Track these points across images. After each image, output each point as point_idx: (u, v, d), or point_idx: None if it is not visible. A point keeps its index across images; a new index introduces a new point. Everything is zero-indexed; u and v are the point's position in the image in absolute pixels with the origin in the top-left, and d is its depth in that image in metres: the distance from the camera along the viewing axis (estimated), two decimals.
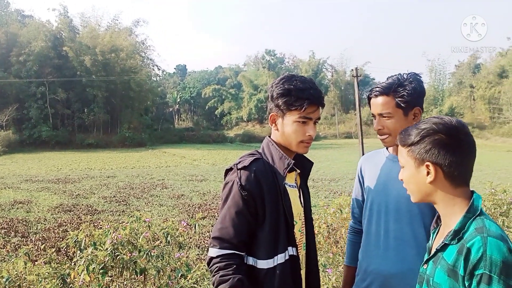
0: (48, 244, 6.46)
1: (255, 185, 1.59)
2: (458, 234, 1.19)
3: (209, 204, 10.47)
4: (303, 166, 1.80)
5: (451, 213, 1.25)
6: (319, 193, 12.07)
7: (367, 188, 1.98)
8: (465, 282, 1.12)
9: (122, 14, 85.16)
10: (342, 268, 3.90)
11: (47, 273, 3.09)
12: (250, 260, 1.61)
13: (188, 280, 3.34)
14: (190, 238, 6.92)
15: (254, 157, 1.66)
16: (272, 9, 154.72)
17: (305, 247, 1.76)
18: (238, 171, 1.61)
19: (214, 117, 58.41)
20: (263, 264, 1.59)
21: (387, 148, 1.98)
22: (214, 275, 1.53)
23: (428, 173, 1.24)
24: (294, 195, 1.71)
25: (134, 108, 41.81)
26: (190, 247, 6.63)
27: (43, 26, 39.54)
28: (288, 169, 1.66)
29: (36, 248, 6.04)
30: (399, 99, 1.79)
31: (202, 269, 3.41)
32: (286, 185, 1.67)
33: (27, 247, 3.55)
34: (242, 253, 1.58)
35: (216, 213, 9.20)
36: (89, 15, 43.49)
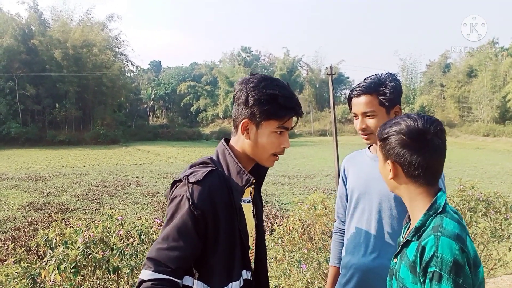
0: (18, 244, 6.30)
1: (208, 203, 1.37)
2: (418, 231, 1.24)
3: None
4: (258, 173, 1.63)
5: (414, 210, 1.30)
6: (294, 190, 12.16)
7: (350, 188, 2.01)
8: (420, 278, 1.18)
9: (95, 8, 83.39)
10: (317, 264, 3.96)
11: (16, 273, 3.01)
12: (197, 285, 1.42)
13: None
14: None
15: (209, 169, 1.42)
16: (246, 6, 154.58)
17: (253, 262, 1.62)
18: (190, 184, 1.38)
19: (190, 114, 57.96)
20: None
21: (368, 148, 2.02)
22: None
23: (390, 170, 1.31)
24: (248, 210, 1.55)
25: (107, 104, 41.08)
26: None
27: (12, 19, 38.31)
28: (247, 186, 1.48)
29: (5, 247, 5.89)
30: (382, 97, 1.84)
31: None
32: (241, 202, 1.49)
33: None
34: (179, 281, 1.37)
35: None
36: (60, 8, 42.61)
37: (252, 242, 1.59)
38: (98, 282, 3.41)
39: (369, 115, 1.86)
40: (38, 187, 13.05)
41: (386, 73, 1.91)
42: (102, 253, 3.12)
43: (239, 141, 1.52)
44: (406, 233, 1.37)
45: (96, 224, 3.36)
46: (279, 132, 1.48)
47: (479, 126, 38.89)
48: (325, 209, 4.59)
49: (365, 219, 1.91)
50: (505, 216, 4.77)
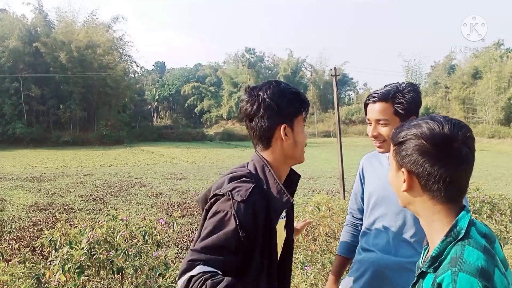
0: (22, 244, 6.33)
1: (252, 224, 1.39)
2: (435, 261, 1.04)
3: (188, 203, 10.42)
4: (291, 182, 1.67)
5: (432, 232, 1.09)
6: (298, 191, 12.14)
7: (368, 189, 2.01)
8: None
9: (100, 9, 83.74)
10: (321, 265, 3.95)
11: (21, 273, 3.03)
12: None
13: (166, 279, 3.32)
14: (169, 236, 6.89)
15: (251, 186, 1.42)
16: (250, 7, 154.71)
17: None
18: (235, 202, 1.38)
19: (194, 115, 58.05)
20: None
21: None
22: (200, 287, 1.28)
23: (404, 181, 1.10)
24: (281, 225, 1.58)
25: (111, 105, 41.18)
26: (168, 245, 6.60)
27: (18, 20, 38.52)
28: (285, 207, 1.50)
29: (10, 247, 5.91)
30: (398, 105, 1.82)
31: None
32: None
33: (1, 246, 3.48)
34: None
35: (195, 212, 9.16)
36: (65, 9, 42.70)
37: (279, 252, 1.61)
38: (102, 282, 3.42)
39: (382, 123, 1.84)
40: (42, 188, 13.11)
41: (407, 83, 1.89)
42: (106, 253, 3.13)
43: (275, 151, 1.55)
44: (424, 258, 1.16)
45: (101, 224, 3.37)
46: (303, 126, 1.59)
47: (484, 128, 38.73)
48: (329, 210, 4.58)
49: (385, 223, 1.90)
50: (510, 218, 4.75)
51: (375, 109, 1.85)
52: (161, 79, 62.84)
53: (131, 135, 40.55)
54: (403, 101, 1.81)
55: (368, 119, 1.89)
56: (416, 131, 1.06)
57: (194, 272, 1.31)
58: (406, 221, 1.87)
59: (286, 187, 1.55)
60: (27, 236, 7.16)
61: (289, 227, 1.67)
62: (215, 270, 1.31)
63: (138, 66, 49.39)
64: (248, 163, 1.59)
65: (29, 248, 5.28)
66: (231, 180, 1.49)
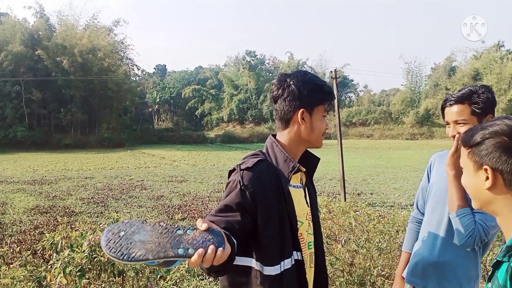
0: (23, 247, 6.33)
1: (258, 186, 1.55)
2: (510, 250, 1.07)
3: (189, 205, 10.42)
4: (309, 163, 1.80)
5: (510, 228, 1.11)
6: None
7: (431, 182, 2.16)
8: None
9: (101, 13, 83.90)
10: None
11: (22, 276, 3.03)
12: (257, 266, 1.57)
13: (167, 282, 3.33)
14: None
15: (258, 158, 1.62)
16: (251, 10, 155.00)
17: (311, 246, 1.76)
18: (241, 171, 1.57)
19: (194, 118, 58.09)
20: (269, 270, 1.57)
21: None
22: None
23: (486, 178, 1.11)
24: (299, 195, 1.71)
25: (112, 108, 41.24)
26: None
27: (19, 24, 38.64)
28: (293, 172, 1.65)
29: (11, 250, 5.91)
30: (474, 105, 1.92)
31: (181, 270, 3.40)
32: (290, 187, 1.66)
33: (2, 250, 3.48)
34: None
35: (196, 214, 9.16)
36: (67, 13, 42.66)
37: (307, 225, 1.73)
38: (103, 285, 3.43)
39: (460, 123, 1.95)
40: (43, 191, 13.11)
41: (480, 85, 2.00)
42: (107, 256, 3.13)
43: (292, 132, 1.70)
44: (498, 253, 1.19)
45: (102, 227, 3.38)
46: (324, 116, 1.72)
47: None
48: (330, 213, 4.58)
49: (437, 212, 2.05)
50: None
51: (453, 112, 1.97)
52: (162, 82, 62.93)
53: (132, 138, 40.58)
54: (479, 101, 1.91)
55: (447, 121, 2.01)
56: (495, 129, 1.10)
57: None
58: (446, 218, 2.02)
59: (305, 167, 1.74)
60: (28, 239, 7.16)
61: (313, 203, 1.80)
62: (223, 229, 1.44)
63: (139, 69, 49.53)
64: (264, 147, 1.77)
65: (30, 251, 5.28)
66: (244, 158, 1.68)
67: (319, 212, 4.52)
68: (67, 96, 37.94)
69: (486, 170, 1.10)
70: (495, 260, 1.12)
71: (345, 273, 3.75)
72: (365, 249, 3.96)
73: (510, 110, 38.68)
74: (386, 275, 3.77)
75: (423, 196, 2.24)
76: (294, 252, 1.63)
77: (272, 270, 1.57)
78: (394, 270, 3.76)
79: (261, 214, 1.55)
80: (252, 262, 1.58)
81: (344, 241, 4.12)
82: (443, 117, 2.04)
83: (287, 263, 1.59)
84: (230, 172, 1.65)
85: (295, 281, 1.61)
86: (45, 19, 40.59)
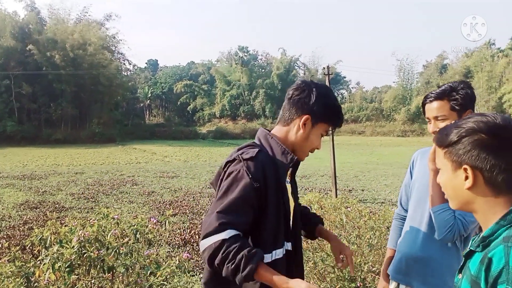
0: (12, 242, 6.26)
1: (262, 176, 1.57)
2: (485, 241, 1.06)
3: (180, 201, 10.38)
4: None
5: (488, 224, 1.09)
6: None
7: (414, 178, 2.19)
8: None
9: (92, 7, 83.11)
10: (312, 263, 3.96)
11: (10, 272, 2.99)
12: None
13: (157, 278, 3.31)
14: (161, 235, 6.86)
15: (258, 149, 1.63)
16: (244, 6, 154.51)
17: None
18: (245, 161, 1.57)
19: (186, 113, 57.88)
20: None
21: None
22: (236, 254, 1.44)
23: (466, 178, 1.08)
24: (288, 190, 1.76)
25: (103, 103, 40.95)
26: (160, 244, 6.57)
27: (10, 17, 38.12)
28: (292, 164, 1.69)
29: (0, 246, 5.85)
30: (453, 102, 1.96)
31: (172, 266, 3.38)
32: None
33: None
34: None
35: (187, 210, 9.13)
36: (58, 6, 42.32)
37: (291, 219, 1.77)
38: (93, 281, 3.40)
39: (440, 119, 1.98)
40: (33, 186, 12.99)
41: (460, 81, 2.05)
42: (97, 252, 3.10)
43: (290, 132, 1.72)
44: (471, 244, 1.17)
45: (92, 223, 3.35)
46: (322, 135, 1.76)
47: None
48: (321, 209, 4.59)
49: (420, 210, 2.08)
50: None
51: (433, 108, 2.00)
52: (153, 77, 62.60)
53: (123, 133, 40.35)
54: (458, 97, 1.96)
55: (427, 118, 2.04)
56: (471, 127, 1.07)
57: (225, 236, 1.47)
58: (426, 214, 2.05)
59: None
60: (17, 235, 7.09)
61: (295, 197, 1.83)
62: (242, 233, 1.50)
63: (130, 64, 49.21)
64: (255, 139, 1.78)
65: (19, 246, 5.23)
66: (239, 150, 1.68)
67: (311, 208, 4.53)
68: (57, 90, 37.58)
69: (465, 169, 1.08)
70: (467, 250, 1.12)
71: (335, 269, 3.76)
72: (356, 245, 3.97)
73: (500, 107, 39.01)
74: (377, 271, 3.78)
75: (407, 193, 2.27)
76: (286, 243, 1.68)
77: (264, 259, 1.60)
78: None
79: (263, 205, 1.59)
80: None
81: None
82: (424, 114, 2.07)
83: (278, 253, 1.63)
84: (227, 163, 1.64)
85: (284, 270, 1.63)
86: (36, 12, 40.12)
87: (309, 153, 1.78)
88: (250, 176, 1.54)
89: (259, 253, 1.47)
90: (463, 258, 1.14)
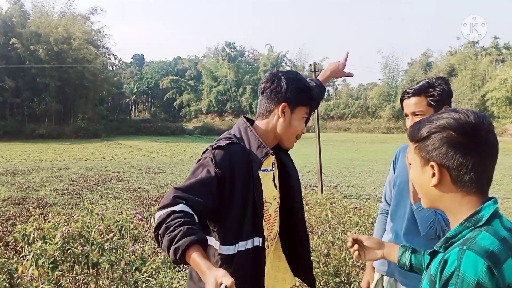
0: None
1: (228, 166, 1.59)
2: (447, 242, 1.05)
3: None
4: (279, 149, 1.85)
5: (456, 223, 1.07)
6: None
7: (396, 174, 2.23)
8: None
9: (77, 0, 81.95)
10: None
11: None
12: (215, 244, 1.63)
13: (143, 273, 3.30)
14: (146, 231, 6.83)
15: (231, 140, 1.66)
16: (231, 1, 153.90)
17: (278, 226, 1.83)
18: (213, 150, 1.61)
19: (173, 109, 57.49)
20: (223, 249, 1.62)
21: None
22: (176, 228, 1.35)
23: (433, 175, 1.06)
24: (268, 178, 1.75)
25: (88, 98, 40.47)
26: (145, 240, 6.54)
27: None
28: (266, 158, 1.70)
29: None
30: (430, 98, 1.99)
31: (157, 262, 3.38)
32: (260, 171, 1.69)
33: None
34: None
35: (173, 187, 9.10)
36: (41, 0, 41.48)
37: (276, 205, 1.80)
38: (77, 277, 3.37)
39: (417, 115, 2.01)
40: (16, 181, 12.80)
41: (437, 77, 2.08)
42: (81, 248, 3.08)
43: (270, 123, 1.75)
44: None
45: (76, 219, 3.32)
46: (303, 118, 1.78)
47: None
48: (307, 204, 4.62)
49: (402, 205, 2.12)
50: None
51: (411, 103, 2.03)
52: (139, 72, 61.98)
53: (108, 128, 39.94)
54: (435, 93, 1.99)
55: (405, 113, 2.07)
56: (441, 123, 1.05)
57: (176, 208, 1.44)
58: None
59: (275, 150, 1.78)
60: (0, 231, 6.99)
61: (292, 174, 1.86)
62: (193, 212, 1.46)
63: (116, 59, 48.68)
64: (233, 128, 1.79)
65: (1, 243, 5.16)
66: (217, 140, 1.69)
67: None
68: (41, 85, 37.00)
69: (432, 166, 1.06)
70: (432, 250, 1.11)
71: (321, 264, 3.80)
72: (340, 241, 4.01)
73: (484, 105, 39.63)
74: (361, 266, 3.83)
75: (391, 188, 2.31)
76: (256, 238, 1.65)
77: (225, 250, 1.61)
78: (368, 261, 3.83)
79: (226, 194, 1.59)
80: (212, 241, 1.64)
81: (321, 232, 4.17)
82: (402, 109, 2.11)
83: (242, 245, 1.62)
84: (203, 153, 1.68)
85: (248, 265, 1.64)
86: (19, 5, 39.43)
87: (297, 139, 1.81)
88: (214, 163, 1.57)
89: (200, 235, 1.36)
90: (429, 257, 1.13)
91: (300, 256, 1.89)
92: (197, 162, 1.65)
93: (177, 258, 1.33)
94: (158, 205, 1.50)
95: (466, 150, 1.01)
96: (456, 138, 1.02)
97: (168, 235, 1.37)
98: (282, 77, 1.73)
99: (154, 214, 3.82)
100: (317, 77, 2.28)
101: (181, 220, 1.38)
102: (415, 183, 1.15)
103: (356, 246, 1.54)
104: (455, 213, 1.07)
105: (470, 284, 0.90)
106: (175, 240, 1.34)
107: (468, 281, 0.91)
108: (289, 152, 1.92)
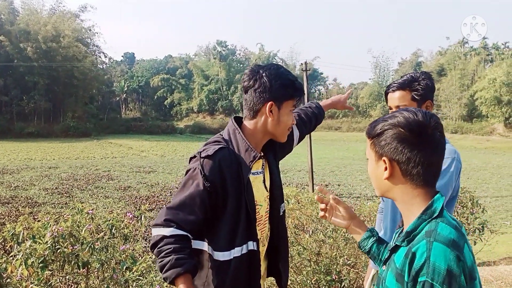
0: None
1: (218, 175, 1.58)
2: (409, 236, 1.13)
3: (157, 196, 10.31)
4: (274, 148, 1.85)
5: (409, 214, 1.17)
6: None
7: None
8: None
9: None
10: (289, 257, 3.99)
11: None
12: (209, 250, 1.63)
13: (133, 273, 3.28)
14: (136, 230, 6.80)
15: (220, 146, 1.64)
16: (221, 0, 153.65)
17: (268, 228, 1.82)
18: (202, 159, 1.59)
19: (163, 108, 57.22)
20: (219, 256, 1.62)
21: None
22: (166, 256, 1.49)
23: (385, 169, 1.16)
24: (258, 181, 1.74)
25: (78, 96, 40.15)
26: (136, 239, 6.51)
27: None
28: (254, 161, 1.68)
29: None
30: (414, 92, 2.01)
31: (148, 261, 3.36)
32: (250, 175, 1.68)
33: None
34: (191, 239, 1.59)
35: (164, 205, 9.07)
36: None
37: (266, 206, 1.79)
38: (67, 277, 3.35)
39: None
40: (5, 180, 12.67)
41: (421, 72, 2.09)
42: (71, 247, 3.06)
43: (259, 123, 1.71)
44: (397, 237, 1.24)
45: (65, 218, 3.29)
46: (291, 111, 1.74)
47: (448, 124, 39.94)
48: (298, 203, 4.63)
49: (389, 201, 2.12)
50: (471, 210, 4.93)
51: (395, 97, 2.05)
52: (130, 71, 61.55)
53: (98, 127, 39.69)
54: (419, 88, 2.00)
55: (390, 107, 2.09)
56: (393, 121, 1.14)
57: (167, 233, 1.52)
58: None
59: (270, 146, 1.79)
60: None
61: (274, 180, 1.83)
62: (187, 233, 1.53)
63: (106, 57, 48.33)
64: (224, 129, 1.77)
65: None
66: (205, 144, 1.70)
67: (288, 203, 4.57)
68: (30, 83, 36.65)
69: (384, 161, 1.16)
70: (393, 245, 1.19)
71: (312, 262, 3.81)
72: (331, 239, 4.02)
73: (473, 105, 40.01)
74: (352, 264, 3.85)
75: None
76: (250, 242, 1.66)
77: (220, 256, 1.62)
78: (359, 259, 3.85)
79: (218, 202, 1.60)
80: (205, 246, 1.65)
81: (312, 231, 4.18)
82: (386, 102, 2.13)
83: (237, 251, 1.63)
84: (191, 159, 1.67)
85: (245, 269, 1.65)
86: (8, 2, 38.97)
87: (288, 130, 1.79)
88: (203, 176, 1.56)
89: (188, 264, 1.48)
90: (388, 252, 1.22)
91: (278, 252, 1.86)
92: (186, 172, 1.64)
93: (168, 283, 1.50)
94: (152, 220, 1.59)
95: (413, 146, 1.12)
96: (405, 135, 1.12)
97: (159, 261, 1.50)
98: (264, 74, 1.68)
99: (145, 212, 3.81)
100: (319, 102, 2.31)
101: (171, 248, 1.49)
102: (371, 176, 1.25)
103: (323, 206, 1.57)
104: (407, 204, 1.17)
105: (441, 273, 0.99)
106: (165, 269, 1.48)
107: (439, 270, 0.99)
108: None
